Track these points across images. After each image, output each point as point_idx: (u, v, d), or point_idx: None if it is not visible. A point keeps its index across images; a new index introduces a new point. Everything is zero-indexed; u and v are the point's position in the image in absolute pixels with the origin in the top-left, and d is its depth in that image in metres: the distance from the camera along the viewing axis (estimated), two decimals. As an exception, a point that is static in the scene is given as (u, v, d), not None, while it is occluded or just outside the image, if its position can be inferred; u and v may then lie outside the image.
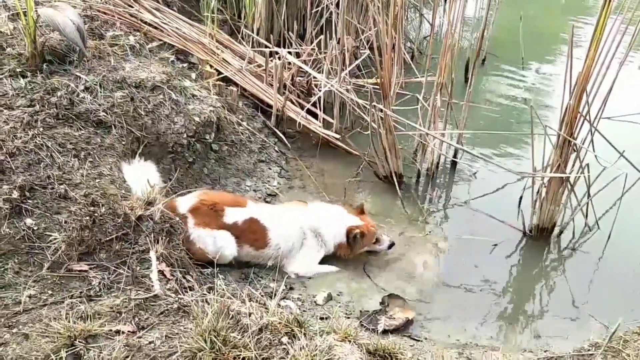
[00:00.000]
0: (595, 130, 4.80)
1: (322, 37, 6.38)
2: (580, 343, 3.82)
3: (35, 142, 3.80)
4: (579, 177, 4.85)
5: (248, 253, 4.29)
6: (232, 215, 4.22)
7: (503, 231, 5.09)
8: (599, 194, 5.00)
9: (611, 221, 4.96)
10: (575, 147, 4.70)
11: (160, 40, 5.89)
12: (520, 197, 5.36)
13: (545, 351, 3.78)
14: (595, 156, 5.07)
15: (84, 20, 5.20)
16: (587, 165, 4.85)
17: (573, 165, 4.80)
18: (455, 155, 5.88)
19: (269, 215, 4.37)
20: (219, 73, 5.97)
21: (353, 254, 4.53)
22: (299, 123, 5.88)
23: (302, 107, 6.07)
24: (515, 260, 4.95)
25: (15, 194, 3.43)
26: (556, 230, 5.06)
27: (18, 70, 4.37)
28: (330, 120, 6.01)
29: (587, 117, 4.63)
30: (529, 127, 4.98)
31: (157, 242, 3.45)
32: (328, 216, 4.53)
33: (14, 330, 2.82)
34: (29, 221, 3.35)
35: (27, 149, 3.73)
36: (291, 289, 4.25)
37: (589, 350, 3.48)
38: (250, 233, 4.25)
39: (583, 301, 4.45)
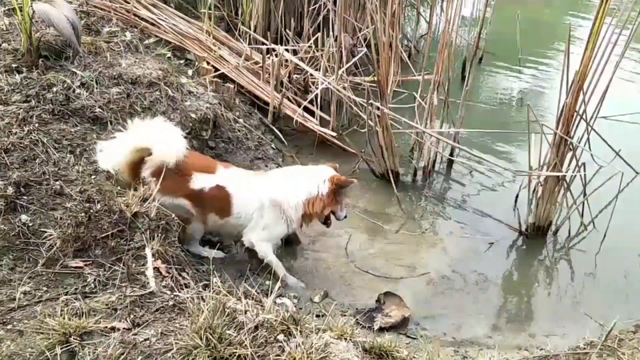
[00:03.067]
0: (592, 129, 4.80)
1: (319, 34, 6.37)
2: (576, 342, 3.83)
3: (31, 138, 3.79)
4: (575, 176, 4.85)
5: (215, 222, 4.14)
6: (200, 182, 4.00)
7: (499, 230, 5.10)
8: (595, 193, 5.00)
9: (607, 220, 4.96)
10: (571, 146, 4.71)
11: (157, 36, 5.88)
12: (517, 196, 5.37)
13: (540, 349, 3.79)
14: (592, 155, 5.07)
15: (80, 16, 5.19)
16: (584, 164, 4.86)
17: (569, 164, 4.81)
18: (451, 154, 5.88)
19: (236, 181, 4.12)
20: (216, 70, 5.95)
21: (329, 208, 4.18)
22: (296, 120, 5.88)
23: (299, 105, 6.06)
24: (511, 258, 4.96)
25: (10, 190, 3.41)
26: (552, 229, 5.07)
27: (14, 65, 4.35)
28: (327, 117, 6.01)
29: (584, 116, 4.64)
30: (525, 125, 4.98)
31: (153, 239, 3.43)
32: (292, 177, 4.24)
33: (9, 327, 2.80)
34: (24, 217, 3.33)
35: (22, 145, 3.72)
36: (287, 286, 4.24)
37: (584, 348, 3.48)
38: (216, 200, 4.05)
39: (579, 300, 4.46)
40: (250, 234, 4.17)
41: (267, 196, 4.10)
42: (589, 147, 4.95)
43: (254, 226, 4.15)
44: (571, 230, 5.12)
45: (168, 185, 3.85)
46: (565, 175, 4.79)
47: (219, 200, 4.05)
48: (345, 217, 4.38)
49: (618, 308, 4.12)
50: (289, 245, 4.64)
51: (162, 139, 3.84)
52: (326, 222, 4.37)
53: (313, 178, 4.16)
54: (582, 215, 5.08)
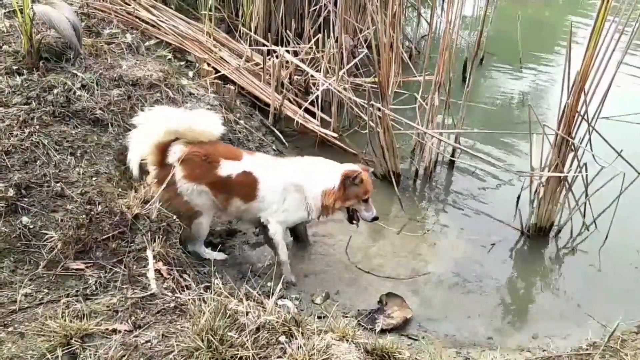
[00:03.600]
0: (593, 129, 4.79)
1: (320, 35, 6.37)
2: (579, 343, 3.82)
3: (32, 140, 3.79)
4: (577, 176, 4.85)
5: (238, 207, 4.16)
6: (227, 168, 4.05)
7: (501, 230, 5.09)
8: (597, 194, 4.99)
9: (609, 221, 4.95)
10: (573, 147, 4.70)
11: (158, 38, 5.88)
12: (519, 197, 5.36)
13: (543, 350, 3.78)
14: (593, 156, 5.06)
15: (81, 17, 5.19)
16: (585, 164, 4.85)
17: (571, 164, 4.80)
18: (453, 155, 5.87)
19: (262, 165, 4.18)
20: (217, 71, 5.95)
21: (341, 202, 4.17)
22: (297, 122, 5.87)
23: (299, 106, 6.06)
24: (513, 259, 4.95)
25: (11, 192, 3.41)
26: (554, 229, 5.06)
27: (14, 67, 4.36)
28: (328, 119, 6.00)
29: (585, 117, 4.63)
30: (527, 126, 4.98)
31: (154, 241, 3.43)
32: (317, 167, 4.28)
33: (10, 329, 2.79)
34: (25, 219, 3.32)
35: (23, 147, 3.72)
36: (287, 288, 4.23)
37: (587, 349, 3.48)
38: (241, 186, 4.09)
39: (581, 301, 4.44)
40: (269, 213, 4.20)
41: (291, 180, 4.15)
42: (591, 148, 4.94)
43: (275, 207, 4.18)
44: (573, 230, 5.11)
45: (194, 173, 3.95)
46: (567, 176, 4.78)
47: (246, 186, 4.10)
48: (376, 218, 4.30)
49: (621, 309, 4.10)
50: (295, 242, 4.69)
51: (202, 115, 4.04)
52: (351, 220, 4.38)
53: (333, 171, 4.19)
54: (584, 216, 5.07)
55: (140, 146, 3.95)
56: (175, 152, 3.95)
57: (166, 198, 3.81)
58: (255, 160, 4.21)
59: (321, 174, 4.20)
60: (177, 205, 3.94)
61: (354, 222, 4.37)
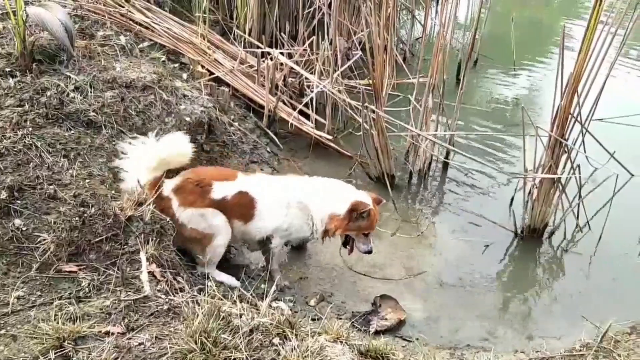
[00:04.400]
0: (586, 131, 4.82)
1: (314, 37, 6.37)
2: (572, 343, 3.83)
3: (25, 142, 3.76)
4: (570, 178, 4.86)
5: (238, 227, 4.10)
6: (221, 190, 4.02)
7: (495, 232, 5.10)
8: (590, 195, 5.02)
9: (602, 222, 4.97)
10: (566, 148, 4.72)
11: (151, 40, 5.86)
12: (512, 198, 5.38)
13: (537, 351, 3.79)
14: (586, 157, 5.09)
15: (74, 19, 5.18)
16: (578, 166, 4.87)
17: (564, 166, 4.82)
18: (447, 156, 5.89)
19: (260, 185, 4.14)
20: (211, 73, 5.95)
21: (342, 231, 4.11)
22: (291, 124, 5.87)
23: (294, 108, 6.06)
24: (507, 260, 4.96)
25: (4, 195, 3.38)
26: (548, 230, 5.07)
27: (7, 69, 4.33)
28: (323, 121, 6.01)
29: (578, 119, 4.65)
30: (520, 128, 4.99)
31: (147, 243, 3.41)
32: (329, 188, 4.23)
33: (2, 332, 2.77)
34: (17, 222, 3.30)
35: (16, 149, 3.69)
36: (282, 291, 4.23)
37: (580, 350, 3.49)
38: (238, 207, 4.04)
39: (575, 301, 4.46)
40: (274, 230, 4.16)
41: (296, 198, 4.11)
42: (584, 149, 4.97)
43: (278, 224, 4.14)
44: (567, 232, 5.13)
45: (187, 199, 3.94)
46: (560, 178, 4.79)
47: (243, 206, 4.06)
48: (370, 252, 4.23)
49: (614, 309, 4.12)
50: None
51: (168, 140, 3.95)
52: (345, 245, 4.34)
53: (345, 196, 4.11)
54: (578, 217, 5.09)
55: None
56: (168, 185, 3.98)
57: (177, 233, 3.78)
58: (251, 180, 4.17)
59: (332, 196, 4.13)
60: (188, 235, 3.93)
61: (347, 247, 4.33)
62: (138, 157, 3.90)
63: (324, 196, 4.13)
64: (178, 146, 3.97)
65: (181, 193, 3.96)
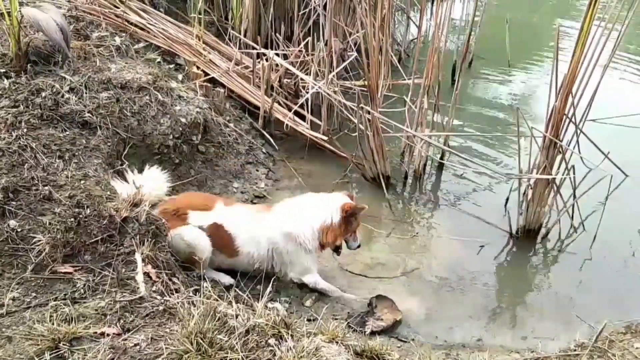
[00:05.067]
0: (581, 132, 4.84)
1: (309, 39, 6.38)
2: (567, 343, 3.84)
3: (19, 143, 3.76)
4: (565, 178, 4.88)
5: (223, 261, 4.11)
6: (196, 219, 4.00)
7: (490, 232, 5.11)
8: (585, 196, 5.04)
9: (596, 222, 5.00)
10: (561, 149, 4.73)
11: (147, 41, 5.86)
12: (507, 199, 5.40)
13: (532, 352, 3.80)
14: (581, 158, 5.11)
15: (69, 20, 5.17)
16: (573, 167, 4.89)
17: (559, 166, 4.84)
18: (442, 157, 5.90)
19: (235, 220, 4.08)
20: (206, 74, 5.95)
21: (341, 238, 4.17)
22: (287, 125, 5.88)
23: (289, 109, 6.06)
24: (502, 261, 4.97)
25: (-1, 196, 3.38)
26: (542, 231, 5.08)
27: (2, 70, 4.33)
28: (318, 122, 6.02)
29: (573, 119, 4.67)
30: (515, 129, 5.01)
31: (143, 244, 3.41)
32: (303, 206, 4.18)
33: (-3, 333, 2.78)
34: (12, 223, 3.30)
35: (10, 150, 3.69)
36: (277, 292, 4.22)
37: (575, 350, 3.50)
38: (217, 239, 4.02)
39: (569, 302, 4.47)
40: (289, 273, 4.19)
41: (278, 232, 4.06)
42: (579, 150, 4.99)
43: (286, 264, 4.15)
44: (561, 232, 5.14)
45: (169, 224, 3.91)
46: (555, 178, 4.81)
47: (220, 239, 4.03)
48: (359, 246, 4.32)
49: (609, 309, 4.15)
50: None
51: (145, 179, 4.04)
52: (337, 250, 4.37)
53: (326, 206, 4.10)
54: (572, 218, 5.11)
55: None
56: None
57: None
58: (229, 211, 4.11)
59: (313, 213, 4.10)
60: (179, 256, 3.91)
61: (339, 250, 4.37)
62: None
63: (304, 215, 4.09)
64: (154, 187, 4.07)
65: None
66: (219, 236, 4.03)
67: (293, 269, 4.19)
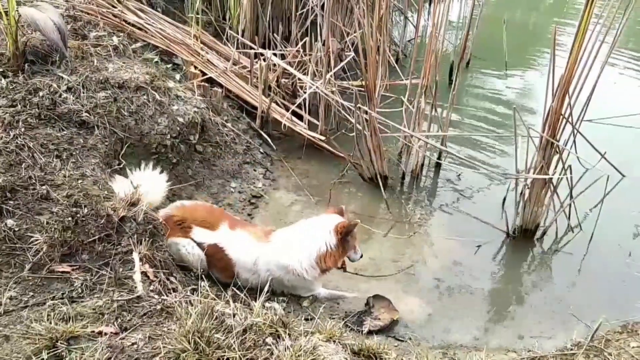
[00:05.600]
0: (578, 132, 4.85)
1: (307, 39, 6.38)
2: (564, 343, 3.85)
3: (17, 143, 3.76)
4: (562, 178, 4.89)
5: (219, 278, 4.05)
6: (198, 236, 4.01)
7: (487, 232, 5.12)
8: (581, 196, 5.05)
9: (593, 222, 5.01)
10: (557, 149, 4.74)
11: (144, 41, 5.86)
12: (504, 199, 5.41)
13: (528, 351, 3.81)
14: (578, 158, 5.12)
15: (67, 20, 5.17)
16: (570, 167, 4.90)
17: (556, 167, 4.84)
18: (439, 157, 5.91)
19: (237, 246, 4.02)
20: (204, 74, 5.95)
21: (342, 259, 4.19)
22: (284, 125, 5.88)
23: (287, 109, 6.07)
24: (498, 261, 4.98)
25: (-4, 195, 3.38)
26: (539, 231, 5.10)
27: (-1, 70, 4.33)
28: (316, 122, 6.02)
29: (570, 120, 4.68)
30: (512, 129, 5.02)
31: (140, 243, 3.41)
32: (296, 236, 4.12)
33: (-6, 333, 2.78)
34: (9, 222, 3.29)
35: (8, 150, 3.69)
36: (274, 292, 4.22)
37: (571, 349, 3.51)
38: (217, 260, 4.02)
39: (566, 301, 4.48)
40: (296, 293, 4.18)
41: (274, 264, 4.01)
42: (575, 150, 5.00)
43: (287, 287, 4.14)
44: (558, 232, 5.15)
45: (170, 232, 3.93)
46: (551, 178, 4.82)
47: (220, 261, 4.02)
48: (361, 256, 4.27)
49: (605, 309, 4.15)
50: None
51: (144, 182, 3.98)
52: (342, 267, 4.41)
53: (319, 232, 4.02)
54: (569, 218, 5.12)
55: None
56: (162, 213, 4.06)
57: None
58: (232, 236, 4.05)
59: (307, 243, 4.01)
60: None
61: (344, 266, 4.43)
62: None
63: (298, 247, 4.02)
64: (151, 190, 4.04)
65: (168, 224, 3.95)
66: (218, 258, 4.01)
67: (296, 290, 4.18)
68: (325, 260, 4.01)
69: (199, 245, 3.99)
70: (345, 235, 4.02)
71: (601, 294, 4.54)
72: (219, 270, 4.06)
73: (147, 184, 4.02)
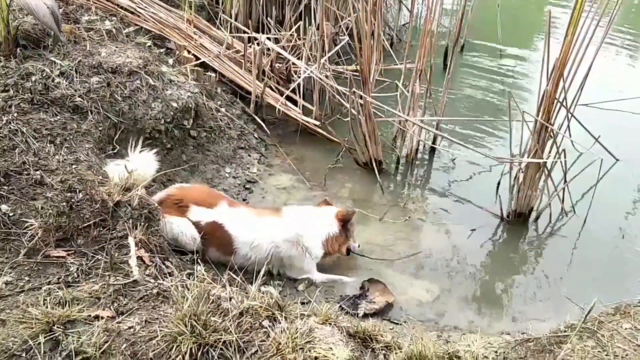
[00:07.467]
0: (572, 116, 4.86)
1: (301, 23, 6.35)
2: (557, 325, 3.87)
3: (10, 128, 3.74)
4: (556, 162, 4.91)
5: (218, 257, 4.13)
6: (196, 214, 4.06)
7: (481, 216, 5.14)
8: (575, 179, 5.07)
9: (587, 206, 5.04)
10: (552, 133, 4.76)
11: (137, 25, 5.81)
12: (498, 183, 5.42)
13: (522, 333, 3.84)
14: (572, 142, 5.14)
15: (59, 4, 5.11)
16: (564, 150, 4.92)
17: (550, 150, 4.86)
18: (434, 142, 5.91)
19: (237, 221, 4.12)
20: (197, 59, 5.91)
21: (346, 244, 4.39)
22: (279, 109, 5.86)
23: (281, 94, 6.05)
24: (493, 245, 5.01)
25: (-10, 180, 3.37)
26: (533, 215, 5.12)
27: (-9, 54, 4.29)
28: (310, 106, 6.00)
29: (564, 103, 4.69)
30: (507, 113, 5.02)
31: (136, 228, 3.42)
32: (305, 216, 4.34)
33: (-9, 317, 2.78)
34: (4, 207, 3.29)
35: (1, 135, 3.68)
36: (271, 275, 4.24)
37: (564, 331, 3.53)
38: (215, 237, 4.07)
39: (559, 284, 4.52)
40: (287, 273, 4.29)
41: (285, 236, 4.15)
42: (569, 134, 5.01)
43: (284, 266, 4.25)
44: (552, 216, 5.18)
45: (167, 211, 3.97)
46: (546, 162, 4.84)
47: (218, 238, 4.08)
48: (359, 246, 4.53)
49: (598, 291, 4.16)
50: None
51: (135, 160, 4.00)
52: (348, 252, 4.52)
53: (325, 218, 4.32)
54: (563, 201, 5.15)
55: None
56: (157, 196, 4.10)
57: None
58: (232, 212, 4.15)
59: (317, 224, 4.28)
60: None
61: (350, 251, 4.53)
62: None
63: (309, 225, 4.25)
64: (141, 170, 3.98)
65: (163, 206, 3.98)
66: (217, 235, 4.07)
67: (292, 271, 4.27)
68: (332, 244, 4.30)
69: (196, 224, 4.02)
70: (346, 222, 4.33)
71: (594, 277, 4.58)
72: (217, 247, 4.10)
73: (137, 163, 4.00)
